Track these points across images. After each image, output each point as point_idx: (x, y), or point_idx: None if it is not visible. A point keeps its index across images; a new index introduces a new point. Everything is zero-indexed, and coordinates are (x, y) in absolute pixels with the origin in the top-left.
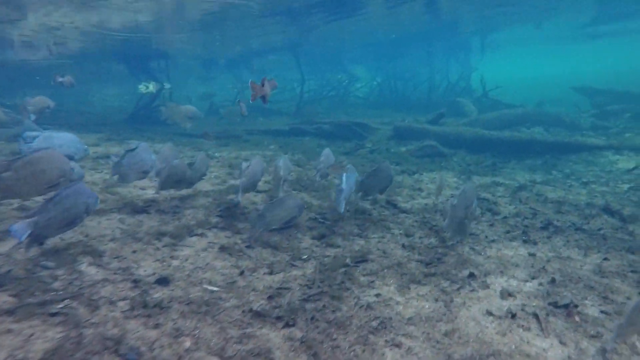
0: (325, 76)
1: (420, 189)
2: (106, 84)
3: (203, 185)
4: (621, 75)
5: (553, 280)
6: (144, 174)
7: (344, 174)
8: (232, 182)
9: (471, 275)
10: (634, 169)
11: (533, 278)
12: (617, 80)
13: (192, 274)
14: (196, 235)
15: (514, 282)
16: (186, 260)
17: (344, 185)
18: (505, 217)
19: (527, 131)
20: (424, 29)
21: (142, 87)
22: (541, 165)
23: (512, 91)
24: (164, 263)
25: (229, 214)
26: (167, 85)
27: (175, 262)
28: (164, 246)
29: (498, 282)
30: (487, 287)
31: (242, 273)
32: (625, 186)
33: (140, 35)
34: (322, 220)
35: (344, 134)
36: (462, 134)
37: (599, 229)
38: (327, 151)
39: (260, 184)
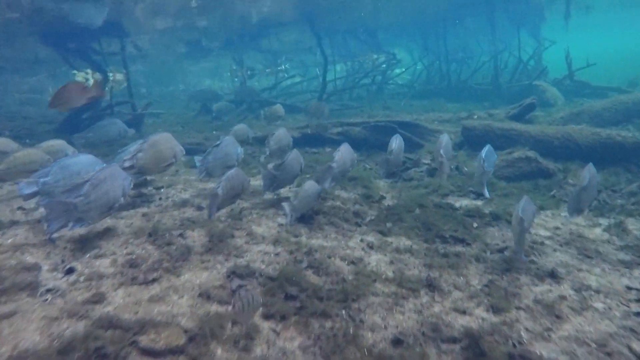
0: (356, 58)
1: (553, 276)
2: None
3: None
4: None
5: None
6: (229, 168)
7: (484, 150)
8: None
9: None
10: None
11: None
12: None
13: None
14: None
15: None
16: None
17: (487, 168)
18: None
19: None
20: None
21: (79, 77)
22: None
23: (596, 70)
24: None
25: None
26: (118, 76)
27: None
28: None
29: None
30: None
31: None
32: None
33: None
34: None
35: (384, 140)
36: (574, 137)
37: None
38: (445, 138)
39: None
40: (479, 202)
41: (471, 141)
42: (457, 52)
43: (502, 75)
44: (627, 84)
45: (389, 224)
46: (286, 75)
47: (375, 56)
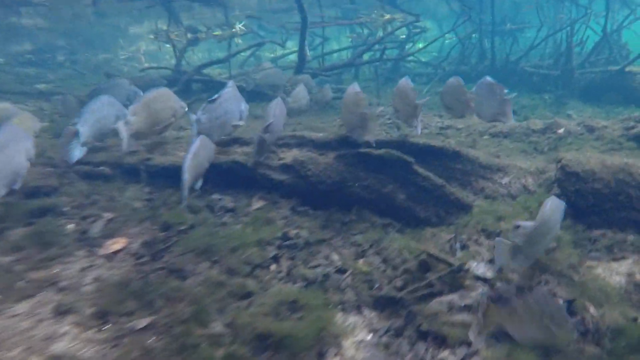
0: (358, 19)
1: None
2: None
3: None
4: None
5: None
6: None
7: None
8: None
9: None
10: None
11: None
12: None
13: None
14: None
15: None
16: None
17: None
18: None
19: None
20: None
21: None
22: None
23: None
24: None
25: None
26: None
27: None
28: None
29: None
30: None
31: None
32: None
33: None
34: None
35: (380, 191)
36: None
37: None
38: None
39: None
40: None
41: (581, 203)
42: (505, 22)
43: (570, 56)
44: None
45: None
46: (240, 42)
47: (387, 16)
